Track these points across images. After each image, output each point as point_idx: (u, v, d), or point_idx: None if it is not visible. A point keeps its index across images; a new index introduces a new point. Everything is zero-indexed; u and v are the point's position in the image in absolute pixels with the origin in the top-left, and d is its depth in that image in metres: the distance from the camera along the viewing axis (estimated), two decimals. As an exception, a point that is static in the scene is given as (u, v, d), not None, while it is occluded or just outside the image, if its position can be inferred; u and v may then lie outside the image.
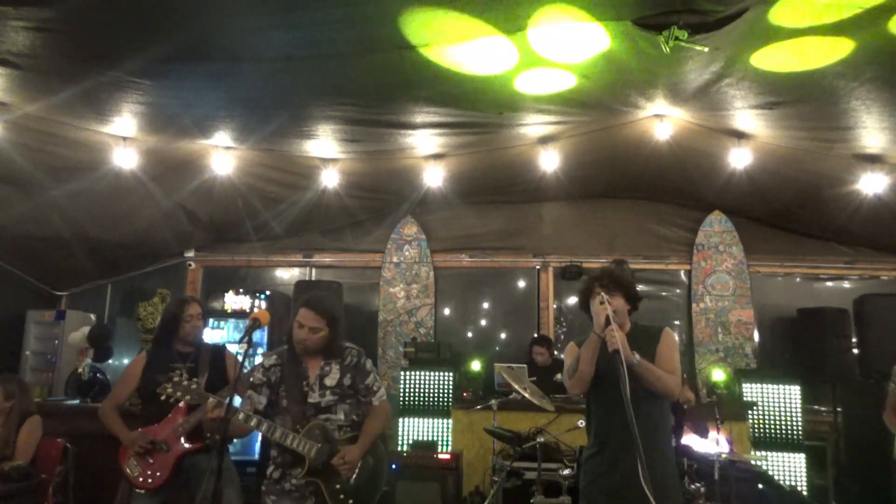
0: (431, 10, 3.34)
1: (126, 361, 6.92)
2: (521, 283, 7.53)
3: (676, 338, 3.06)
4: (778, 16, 3.28)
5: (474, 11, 3.35)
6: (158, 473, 3.52)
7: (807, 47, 3.58)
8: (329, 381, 3.01)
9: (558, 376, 5.96)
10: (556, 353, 6.60)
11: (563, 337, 7.22)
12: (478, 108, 4.74)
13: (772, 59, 3.75)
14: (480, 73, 4.10)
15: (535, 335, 6.69)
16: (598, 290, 2.87)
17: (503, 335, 7.46)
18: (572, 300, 7.29)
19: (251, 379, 3.06)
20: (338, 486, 2.88)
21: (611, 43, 3.64)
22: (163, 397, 2.96)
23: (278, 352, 3.12)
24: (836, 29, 3.36)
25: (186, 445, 3.57)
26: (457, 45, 3.71)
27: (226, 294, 6.71)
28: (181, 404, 3.59)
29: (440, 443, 6.03)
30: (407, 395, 6.31)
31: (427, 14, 3.37)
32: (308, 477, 2.85)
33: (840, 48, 3.56)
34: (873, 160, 5.29)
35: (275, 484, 2.93)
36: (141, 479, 3.52)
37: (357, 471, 2.94)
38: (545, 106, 4.74)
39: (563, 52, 3.82)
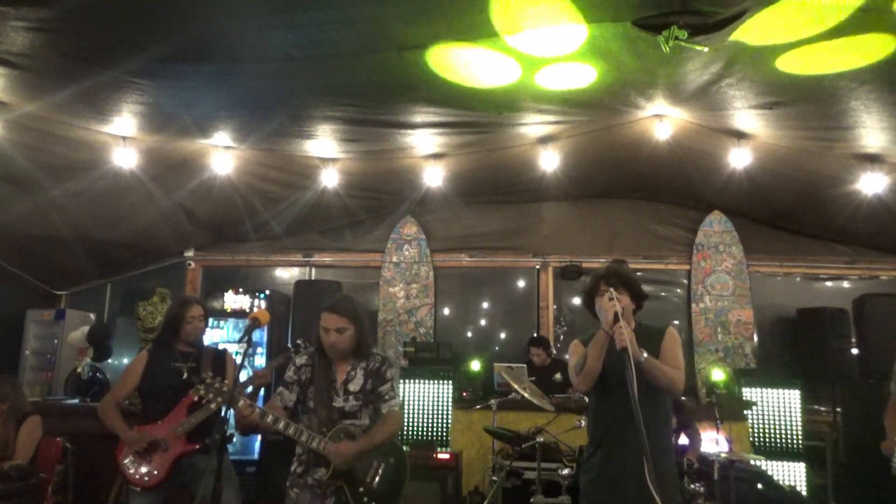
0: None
1: (126, 361, 6.93)
2: (521, 283, 7.53)
3: (679, 337, 3.07)
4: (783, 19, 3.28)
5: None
6: (155, 472, 3.52)
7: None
8: (353, 387, 3.06)
9: (557, 376, 5.98)
10: (553, 353, 6.60)
11: (562, 337, 7.22)
12: (477, 108, 4.74)
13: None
14: (492, 85, 4.22)
15: (533, 336, 6.70)
16: (605, 288, 2.87)
17: (503, 335, 7.46)
18: (572, 300, 7.30)
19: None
20: (361, 490, 2.95)
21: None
22: (196, 398, 2.98)
23: (309, 352, 3.19)
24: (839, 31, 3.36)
25: (186, 445, 3.57)
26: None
27: (225, 294, 6.71)
28: (182, 404, 3.61)
29: (440, 442, 6.03)
30: (407, 395, 6.31)
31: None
32: (332, 479, 2.91)
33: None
34: (873, 160, 5.29)
35: (298, 477, 3.00)
36: (137, 477, 3.52)
37: (380, 475, 3.03)
38: (545, 106, 4.74)
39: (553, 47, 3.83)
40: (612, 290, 2.80)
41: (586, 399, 4.45)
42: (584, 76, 4.16)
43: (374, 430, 3.07)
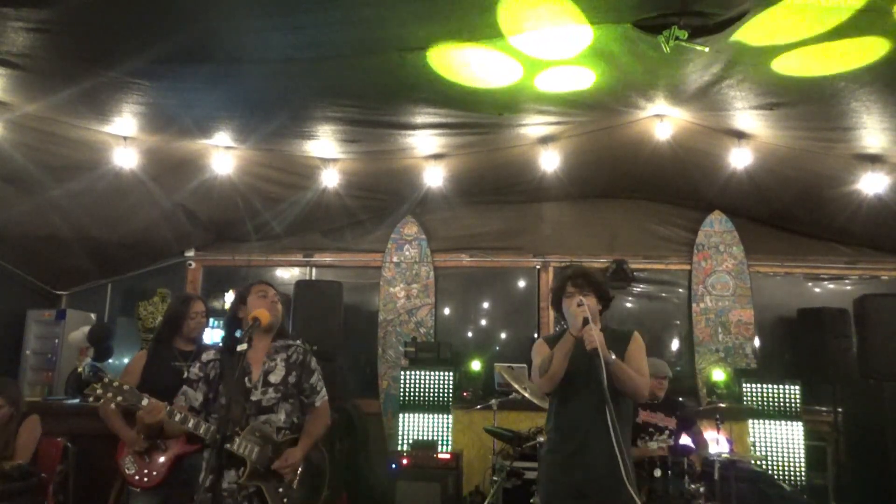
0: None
1: (126, 361, 6.92)
2: (521, 283, 7.52)
3: (644, 343, 3.07)
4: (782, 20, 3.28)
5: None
6: (155, 473, 3.52)
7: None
8: (273, 378, 2.94)
9: None
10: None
11: (563, 337, 7.22)
12: (478, 109, 4.74)
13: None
14: (493, 86, 4.23)
15: None
16: (572, 289, 2.91)
17: (503, 335, 7.46)
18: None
19: (187, 374, 3.01)
20: (280, 490, 2.83)
21: (594, 37, 3.59)
22: (90, 399, 2.76)
23: (218, 347, 3.08)
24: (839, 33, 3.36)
25: (184, 446, 3.56)
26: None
27: (226, 294, 6.71)
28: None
29: (440, 442, 6.04)
30: (407, 394, 6.32)
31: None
32: (250, 480, 2.77)
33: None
34: (874, 160, 5.28)
35: (205, 492, 2.59)
36: (137, 478, 3.52)
37: (300, 474, 2.90)
38: (546, 106, 4.74)
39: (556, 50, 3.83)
40: (579, 296, 2.83)
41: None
42: (584, 79, 4.17)
43: (310, 426, 2.99)
